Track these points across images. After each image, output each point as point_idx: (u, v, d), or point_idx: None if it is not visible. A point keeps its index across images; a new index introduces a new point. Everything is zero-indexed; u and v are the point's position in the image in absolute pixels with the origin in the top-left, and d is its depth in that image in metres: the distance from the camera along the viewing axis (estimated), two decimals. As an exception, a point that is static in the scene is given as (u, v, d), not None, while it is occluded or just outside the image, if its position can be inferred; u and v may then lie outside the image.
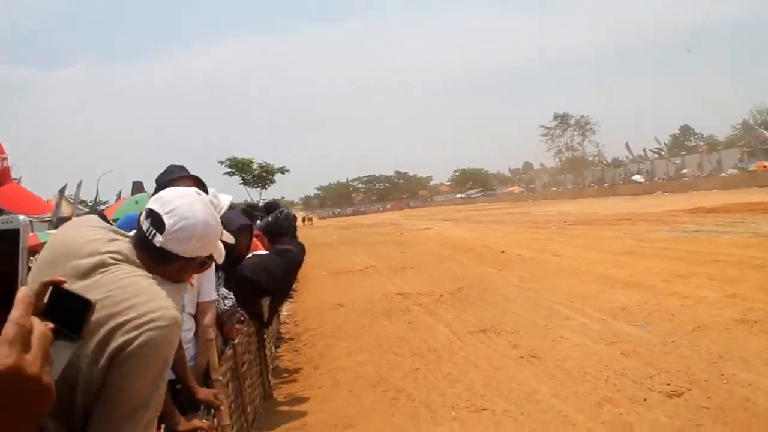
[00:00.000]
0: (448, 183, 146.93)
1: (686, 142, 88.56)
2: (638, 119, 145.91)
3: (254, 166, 50.13)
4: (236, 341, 4.74)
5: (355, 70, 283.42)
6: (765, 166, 50.59)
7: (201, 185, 3.83)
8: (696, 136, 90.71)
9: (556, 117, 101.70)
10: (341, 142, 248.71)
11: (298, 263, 6.26)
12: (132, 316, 1.48)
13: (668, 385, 5.65)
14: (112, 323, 1.47)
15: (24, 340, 0.75)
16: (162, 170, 3.77)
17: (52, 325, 0.82)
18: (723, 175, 56.02)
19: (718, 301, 8.55)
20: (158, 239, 1.72)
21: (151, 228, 1.73)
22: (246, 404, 4.93)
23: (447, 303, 10.86)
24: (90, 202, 28.61)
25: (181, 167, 3.81)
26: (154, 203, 1.79)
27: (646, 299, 9.13)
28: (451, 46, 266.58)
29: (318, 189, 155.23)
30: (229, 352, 4.43)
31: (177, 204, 1.76)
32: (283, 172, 51.91)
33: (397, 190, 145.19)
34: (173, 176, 3.60)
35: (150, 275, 1.67)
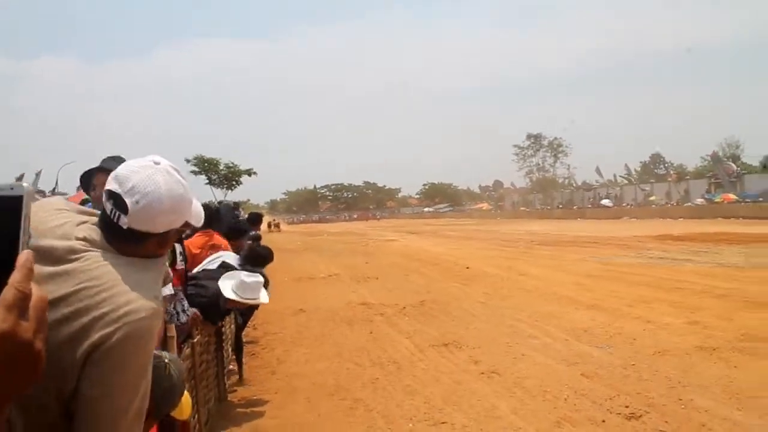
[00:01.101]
0: (417, 196, 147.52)
1: (656, 170, 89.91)
2: (610, 144, 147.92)
3: (221, 167, 49.77)
4: (195, 340, 4.62)
5: (328, 78, 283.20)
6: (730, 199, 51.64)
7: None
8: (666, 165, 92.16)
9: (529, 137, 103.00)
10: (311, 149, 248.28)
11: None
12: (108, 309, 1.38)
13: (627, 407, 5.64)
14: (86, 317, 1.37)
15: (22, 306, 0.75)
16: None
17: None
18: (690, 204, 57.06)
19: (680, 327, 8.63)
20: (123, 221, 1.56)
21: (114, 210, 1.58)
22: (200, 405, 4.80)
23: (410, 315, 10.80)
24: (48, 192, 28.11)
25: (115, 158, 3.58)
26: (112, 183, 1.63)
27: (610, 322, 9.18)
28: (426, 60, 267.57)
29: (285, 194, 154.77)
30: (187, 350, 4.32)
31: (135, 180, 1.59)
32: (250, 174, 51.70)
33: (365, 200, 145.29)
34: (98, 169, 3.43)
35: (125, 258, 1.54)
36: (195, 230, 5.52)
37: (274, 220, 69.99)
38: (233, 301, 5.07)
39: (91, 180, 3.86)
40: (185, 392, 2.29)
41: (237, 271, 5.39)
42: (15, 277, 0.76)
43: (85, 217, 1.63)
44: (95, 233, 1.57)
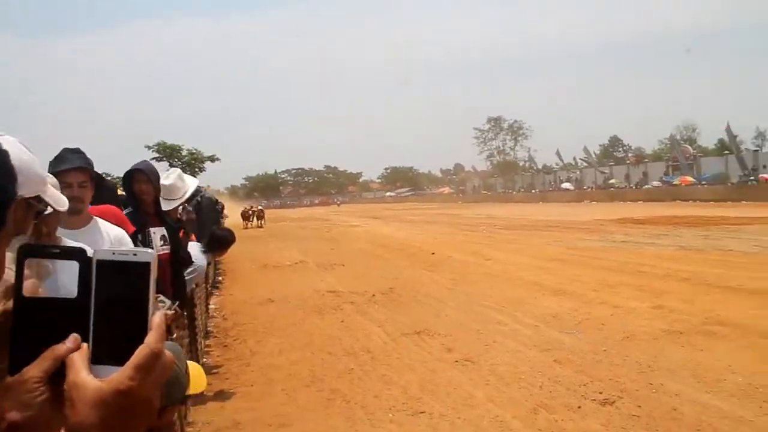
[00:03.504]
0: (379, 180, 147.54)
1: (615, 153, 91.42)
2: (570, 127, 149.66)
3: (183, 153, 49.08)
4: (174, 336, 4.57)
5: (288, 61, 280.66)
6: (688, 181, 52.82)
7: (99, 180, 3.52)
8: (624, 148, 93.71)
9: (489, 120, 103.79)
10: (271, 133, 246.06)
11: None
12: None
13: (601, 393, 5.77)
14: None
15: (153, 366, 0.79)
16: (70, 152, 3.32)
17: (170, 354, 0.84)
18: (648, 186, 58.18)
19: (646, 311, 8.83)
20: None
21: None
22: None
23: (379, 303, 10.84)
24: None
25: (75, 151, 3.42)
26: None
27: (577, 307, 9.34)
28: (386, 39, 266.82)
29: (245, 179, 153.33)
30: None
31: None
32: (213, 161, 50.95)
33: (327, 185, 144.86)
34: (58, 168, 3.14)
35: None
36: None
37: (252, 207, 47.19)
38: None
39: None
40: (192, 364, 2.25)
41: None
42: (150, 338, 0.80)
43: None
44: None
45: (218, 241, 6.01)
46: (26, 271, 0.84)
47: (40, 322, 0.83)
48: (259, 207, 48.85)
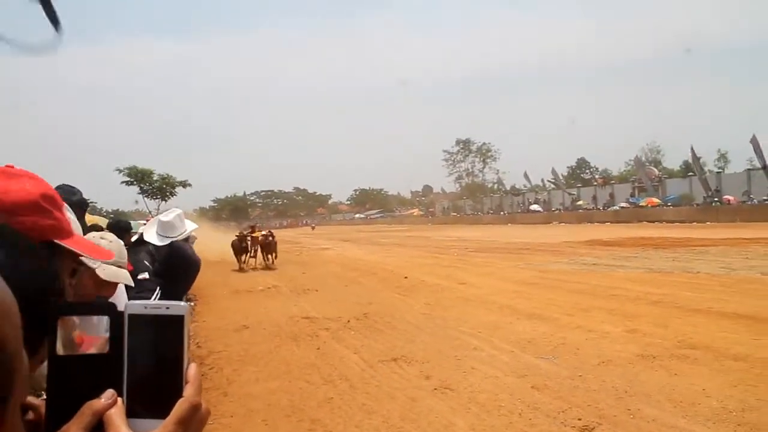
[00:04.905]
0: (348, 202, 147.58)
1: (582, 175, 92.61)
2: (538, 149, 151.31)
3: (155, 177, 48.81)
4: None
5: (257, 82, 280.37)
6: (654, 202, 53.74)
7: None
8: (591, 170, 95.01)
9: (458, 142, 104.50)
10: (241, 155, 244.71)
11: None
12: None
13: (580, 419, 5.83)
14: None
15: (192, 418, 0.82)
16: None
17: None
18: (615, 208, 59.03)
19: (620, 336, 8.94)
20: None
21: None
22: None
23: (354, 329, 10.82)
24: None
25: (68, 190, 3.34)
26: None
27: (552, 332, 9.43)
28: (355, 62, 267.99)
29: (214, 201, 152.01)
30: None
31: None
32: (184, 186, 50.86)
33: (296, 207, 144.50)
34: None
35: None
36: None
37: (252, 231, 26.92)
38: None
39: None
40: None
41: (152, 221, 5.23)
42: (189, 391, 0.83)
43: None
44: None
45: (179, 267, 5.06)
46: (59, 330, 0.86)
47: (75, 379, 0.85)
48: (264, 232, 26.18)
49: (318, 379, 7.84)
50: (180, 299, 4.55)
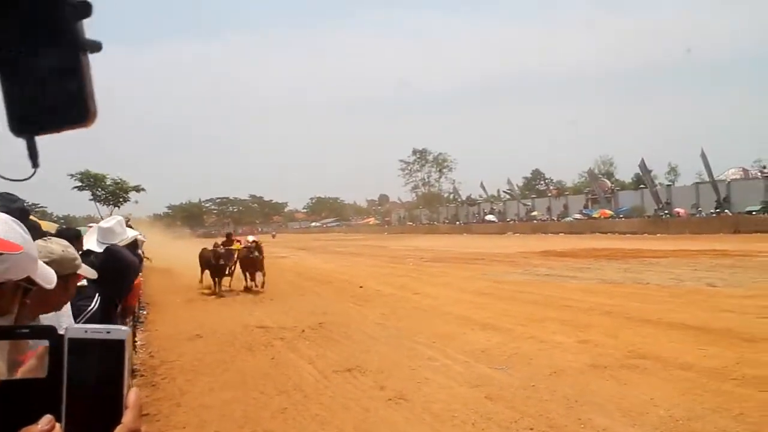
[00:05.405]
0: (304, 210, 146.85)
1: (537, 186, 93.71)
2: (493, 160, 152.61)
3: (108, 182, 47.96)
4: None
5: (215, 91, 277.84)
6: (606, 214, 54.75)
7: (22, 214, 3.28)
8: (546, 181, 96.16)
9: (414, 152, 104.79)
10: (196, 162, 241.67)
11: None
12: None
13: (531, 429, 5.91)
14: None
15: None
16: None
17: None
18: (569, 219, 59.92)
19: (572, 346, 9.09)
20: None
21: None
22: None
23: (309, 339, 10.78)
24: None
25: (8, 197, 3.28)
26: None
27: (506, 342, 9.54)
28: (312, 71, 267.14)
29: (168, 208, 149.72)
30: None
31: None
32: (138, 191, 49.99)
33: (251, 214, 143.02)
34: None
35: None
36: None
37: (231, 242, 19.33)
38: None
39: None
40: None
41: (93, 229, 5.14)
42: (128, 417, 0.82)
43: None
44: None
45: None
46: None
47: (13, 404, 0.83)
48: (251, 238, 20.87)
49: (272, 389, 7.79)
50: (119, 301, 4.48)
